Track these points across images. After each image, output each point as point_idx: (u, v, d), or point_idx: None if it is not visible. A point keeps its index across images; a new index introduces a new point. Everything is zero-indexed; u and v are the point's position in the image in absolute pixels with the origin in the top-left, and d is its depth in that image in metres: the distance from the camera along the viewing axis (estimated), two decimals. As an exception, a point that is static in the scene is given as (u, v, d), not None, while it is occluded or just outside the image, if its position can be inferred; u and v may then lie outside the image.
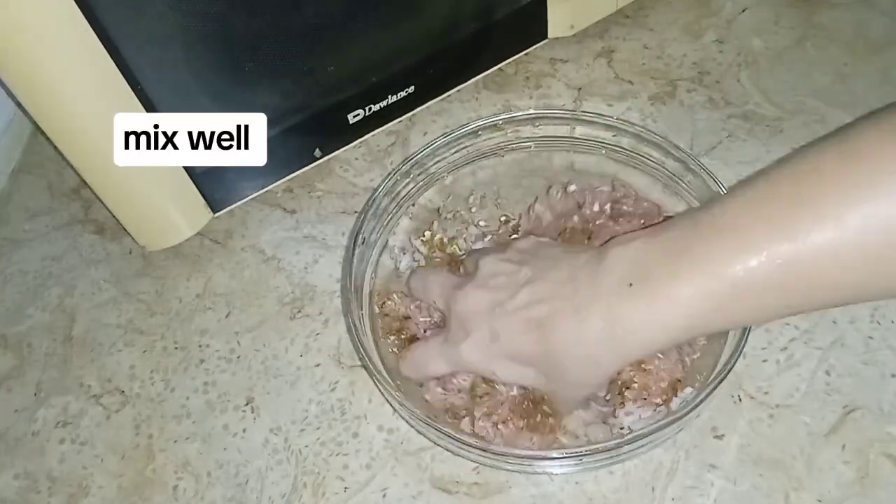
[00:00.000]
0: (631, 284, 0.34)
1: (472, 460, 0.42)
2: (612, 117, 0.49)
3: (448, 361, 0.41)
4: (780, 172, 0.32)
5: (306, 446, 0.45)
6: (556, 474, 0.42)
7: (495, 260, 0.41)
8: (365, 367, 0.42)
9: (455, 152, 0.51)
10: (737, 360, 0.39)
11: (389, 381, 0.41)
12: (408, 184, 0.50)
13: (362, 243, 0.47)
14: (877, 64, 0.58)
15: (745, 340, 0.39)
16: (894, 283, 0.30)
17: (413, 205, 0.51)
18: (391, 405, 0.45)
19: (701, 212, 0.34)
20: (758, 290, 0.31)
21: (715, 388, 0.38)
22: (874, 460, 0.41)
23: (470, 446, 0.39)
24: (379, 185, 0.48)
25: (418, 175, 0.50)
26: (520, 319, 0.37)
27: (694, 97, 0.58)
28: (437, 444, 0.43)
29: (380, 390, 0.43)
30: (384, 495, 0.43)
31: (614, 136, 0.49)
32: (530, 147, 0.51)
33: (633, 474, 0.42)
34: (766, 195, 0.32)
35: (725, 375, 0.38)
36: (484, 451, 0.39)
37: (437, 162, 0.51)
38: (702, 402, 0.38)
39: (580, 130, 0.50)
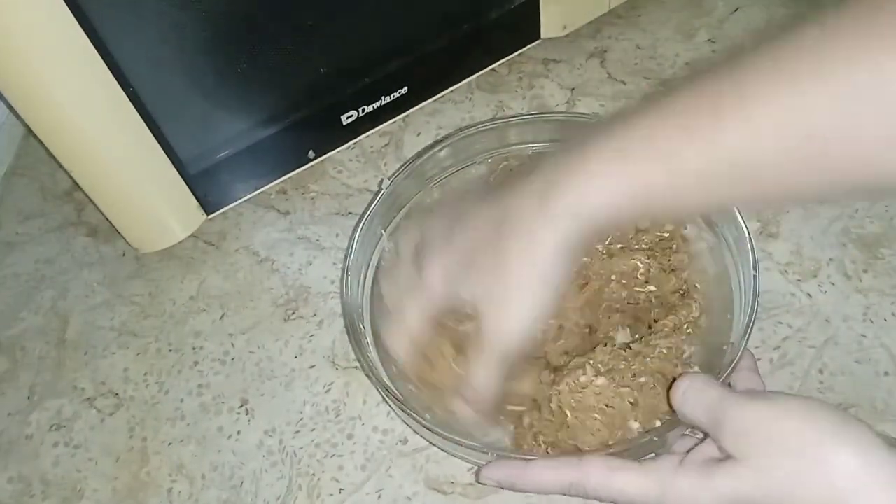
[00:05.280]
0: (551, 189, 0.34)
1: (474, 463, 0.42)
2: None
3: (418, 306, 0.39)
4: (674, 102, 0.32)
5: (301, 448, 0.45)
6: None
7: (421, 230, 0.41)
8: (362, 368, 0.42)
9: (451, 154, 0.51)
10: (733, 369, 0.39)
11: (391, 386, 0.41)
12: (408, 185, 0.50)
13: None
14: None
15: (746, 341, 0.39)
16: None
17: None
18: (391, 407, 0.45)
19: (599, 135, 0.34)
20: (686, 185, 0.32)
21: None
22: (867, 458, 0.41)
23: (474, 450, 0.38)
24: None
25: (416, 175, 0.50)
26: (467, 260, 0.37)
27: (687, 97, 0.58)
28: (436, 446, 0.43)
29: (380, 393, 0.43)
30: (379, 496, 0.43)
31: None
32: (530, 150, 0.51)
33: (628, 474, 0.42)
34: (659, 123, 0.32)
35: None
36: (487, 454, 0.38)
37: (434, 163, 0.51)
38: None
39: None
